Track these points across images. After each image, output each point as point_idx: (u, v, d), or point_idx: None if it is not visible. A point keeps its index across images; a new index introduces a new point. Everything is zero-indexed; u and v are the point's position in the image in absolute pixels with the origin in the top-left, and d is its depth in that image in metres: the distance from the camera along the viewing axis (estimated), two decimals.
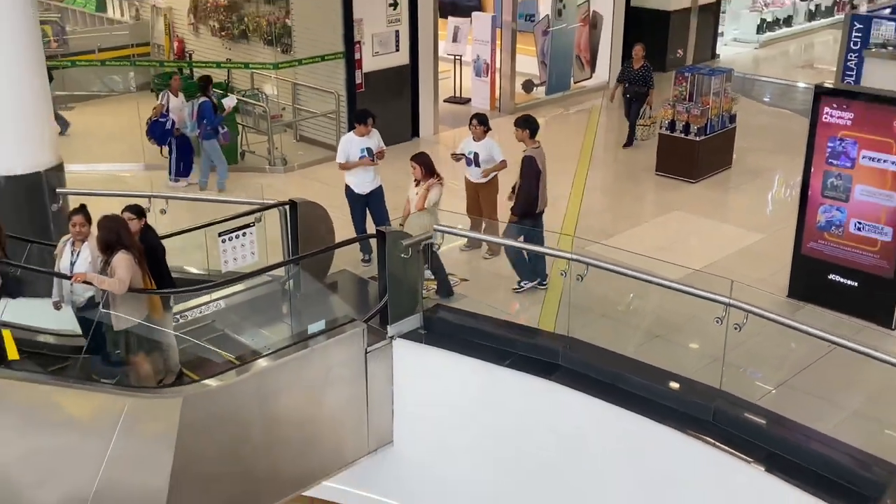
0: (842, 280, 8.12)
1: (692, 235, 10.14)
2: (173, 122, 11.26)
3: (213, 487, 6.75)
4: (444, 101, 15.03)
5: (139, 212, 7.24)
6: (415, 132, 13.15)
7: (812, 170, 8.05)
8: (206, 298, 7.70)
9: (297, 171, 12.09)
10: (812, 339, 6.86)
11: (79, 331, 7.17)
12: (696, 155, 11.43)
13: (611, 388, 6.88)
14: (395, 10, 12.35)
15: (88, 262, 6.84)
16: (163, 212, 8.32)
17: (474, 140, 9.08)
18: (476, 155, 9.01)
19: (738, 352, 7.50)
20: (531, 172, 8.54)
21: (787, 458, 5.97)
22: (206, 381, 6.56)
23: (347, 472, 7.79)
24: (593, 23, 16.00)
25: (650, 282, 7.04)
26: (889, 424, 6.34)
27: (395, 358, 7.63)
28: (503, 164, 9.08)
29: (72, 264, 6.92)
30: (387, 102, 12.49)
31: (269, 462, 7.06)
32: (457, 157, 9.43)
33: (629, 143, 12.94)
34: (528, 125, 8.72)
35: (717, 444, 6.25)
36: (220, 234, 7.68)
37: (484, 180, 9.14)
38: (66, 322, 7.26)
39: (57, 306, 7.18)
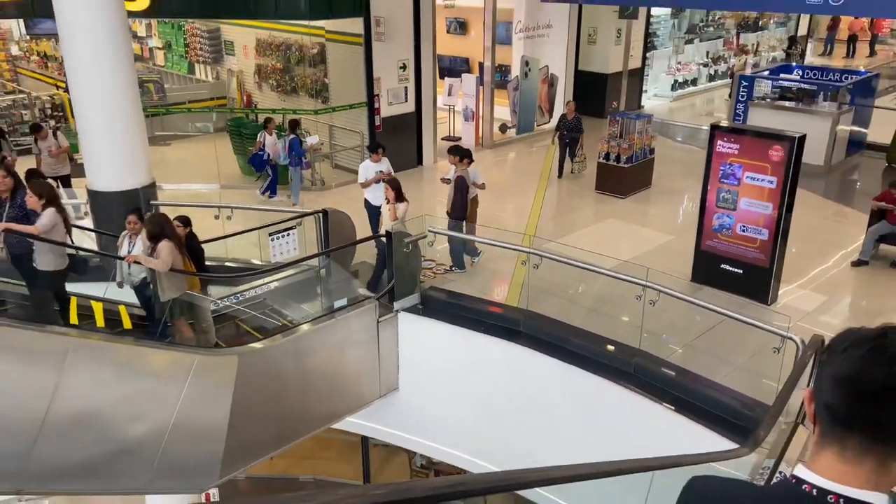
0: (731, 269, 7.93)
1: (622, 237, 9.95)
2: (269, 155, 11.07)
3: (262, 423, 6.58)
4: (442, 139, 14.78)
5: (185, 221, 7.18)
6: (419, 161, 12.96)
7: (709, 186, 7.87)
8: (260, 281, 7.53)
9: (333, 190, 11.89)
10: (708, 312, 6.72)
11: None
12: (624, 178, 11.24)
13: (560, 349, 6.72)
14: (404, 71, 12.17)
15: (140, 250, 6.82)
16: (228, 218, 8.15)
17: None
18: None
19: (655, 322, 7.36)
20: (462, 188, 8.37)
21: (688, 401, 5.81)
22: (256, 343, 6.39)
23: (365, 411, 7.63)
24: (551, 82, 15.79)
25: (589, 269, 6.87)
26: (764, 375, 6.16)
27: (399, 326, 7.47)
28: (482, 186, 8.74)
29: (128, 252, 6.94)
30: (398, 139, 12.32)
31: (305, 403, 6.89)
32: (445, 180, 9.12)
33: (560, 174, 12.40)
34: (458, 152, 8.54)
35: (637, 389, 6.09)
36: (270, 235, 7.50)
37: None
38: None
39: (120, 285, 7.16)
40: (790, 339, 5.23)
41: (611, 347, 6.57)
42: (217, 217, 8.23)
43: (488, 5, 13.83)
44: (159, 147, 14.47)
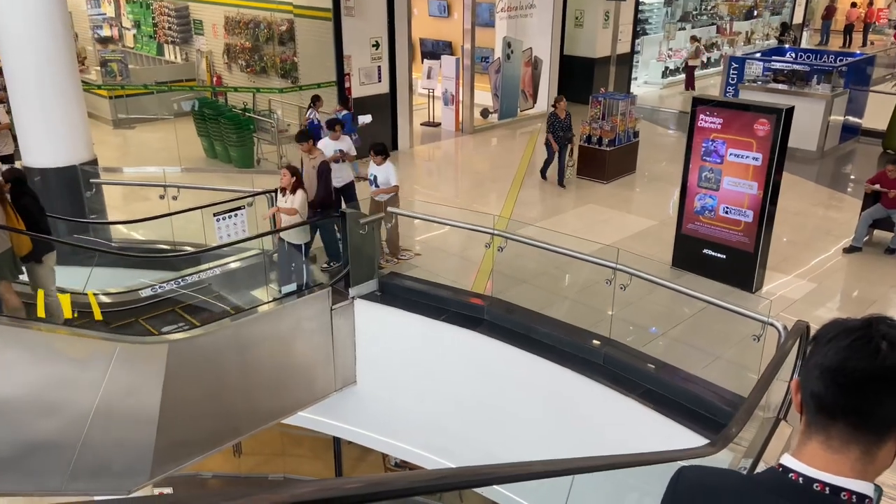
0: (714, 254, 7.43)
1: (602, 222, 9.44)
2: (320, 125, 10.41)
3: (199, 419, 6.06)
4: (421, 124, 14.30)
5: (14, 176, 6.33)
6: (395, 146, 12.38)
7: (690, 165, 7.36)
8: (204, 266, 7.00)
9: None
10: (689, 300, 6.24)
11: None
12: (606, 162, 10.73)
13: (525, 338, 6.23)
14: (377, 49, 11.62)
15: None
16: (174, 198, 7.61)
17: (376, 165, 7.80)
18: (375, 177, 7.84)
19: (632, 311, 6.88)
20: (325, 174, 7.51)
21: (661, 394, 5.31)
22: (189, 331, 5.87)
23: (320, 406, 7.14)
24: (535, 65, 15.26)
25: (555, 251, 6.37)
26: (747, 367, 5.67)
27: (356, 315, 6.96)
28: (395, 188, 7.66)
29: None
30: (372, 122, 11.77)
31: (248, 398, 6.37)
32: (360, 178, 8.48)
33: (561, 182, 10.70)
34: (303, 138, 7.70)
35: (606, 382, 5.59)
36: (215, 215, 6.97)
37: (385, 197, 7.78)
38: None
39: None
40: (771, 324, 4.73)
41: (577, 336, 6.07)
42: (162, 197, 7.69)
43: None
44: (123, 130, 13.93)
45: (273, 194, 7.33)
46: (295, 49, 12.17)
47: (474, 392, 6.57)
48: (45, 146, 7.37)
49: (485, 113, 14.74)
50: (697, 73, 18.68)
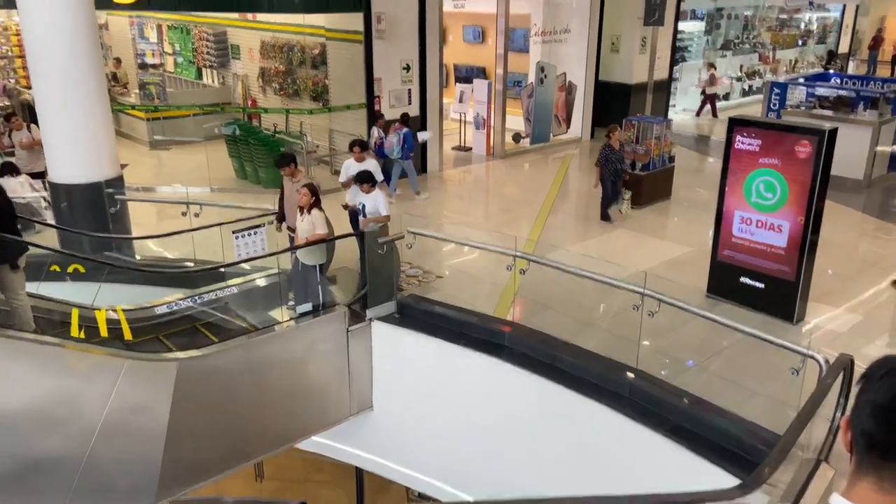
0: (752, 282, 7.04)
1: (633, 248, 9.12)
2: (384, 140, 10.77)
3: (208, 440, 5.88)
4: (452, 148, 14.21)
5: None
6: (424, 169, 12.29)
7: (726, 188, 7.03)
8: (221, 284, 6.89)
9: (327, 195, 11.25)
10: (724, 331, 5.87)
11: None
12: (640, 186, 10.41)
13: (547, 366, 5.93)
14: (407, 72, 11.58)
15: None
16: (196, 215, 7.57)
17: (364, 194, 7.53)
18: (363, 206, 7.59)
19: (661, 340, 6.53)
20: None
21: (690, 430, 4.95)
22: (200, 349, 5.72)
23: (335, 431, 6.91)
24: (568, 90, 15.08)
25: (579, 275, 6.08)
26: (788, 403, 5.28)
27: (373, 337, 6.75)
28: (386, 218, 7.29)
29: None
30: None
31: (260, 420, 6.18)
32: (346, 206, 8.00)
33: (607, 217, 9.92)
34: (284, 162, 7.43)
35: (631, 416, 5.25)
36: (234, 232, 6.88)
37: (376, 227, 7.43)
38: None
39: None
40: (811, 357, 4.37)
41: (604, 366, 5.74)
42: (184, 214, 7.65)
43: (501, 10, 13.23)
44: (159, 151, 14.13)
45: (276, 217, 7.19)
46: (326, 72, 12.20)
47: (495, 421, 6.27)
48: (71, 163, 7.41)
49: (516, 137, 14.57)
50: (731, 102, 18.31)
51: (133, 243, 8.05)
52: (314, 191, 6.68)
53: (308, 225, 6.57)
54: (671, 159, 10.90)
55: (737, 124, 6.83)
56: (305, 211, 6.60)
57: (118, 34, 18.14)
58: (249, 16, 13.78)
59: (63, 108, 7.22)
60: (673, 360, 6.28)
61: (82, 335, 6.12)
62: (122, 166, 9.55)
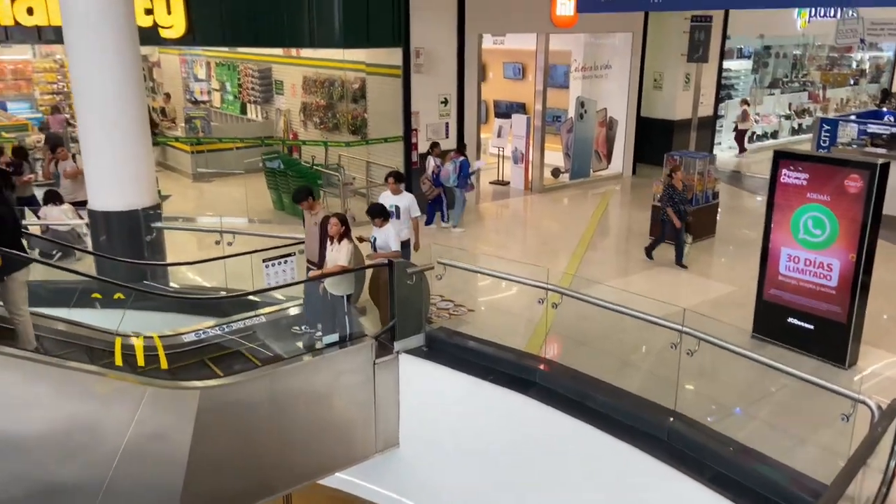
0: (800, 323, 6.68)
1: (674, 285, 8.81)
2: (441, 168, 11.02)
3: (229, 472, 5.77)
4: (490, 182, 14.15)
5: None
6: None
7: (772, 225, 6.74)
8: (250, 312, 6.86)
9: (362, 226, 11.26)
10: (771, 374, 5.55)
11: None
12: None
13: (579, 405, 5.67)
14: (445, 106, 11.62)
15: None
16: (230, 244, 7.61)
17: (393, 195, 7.51)
18: (397, 207, 7.57)
19: (703, 382, 6.23)
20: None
21: (731, 478, 4.63)
22: (223, 378, 5.65)
23: (360, 468, 6.73)
24: (609, 125, 14.94)
25: (611, 309, 5.85)
26: (838, 452, 4.92)
27: (400, 371, 6.60)
28: (396, 254, 6.99)
29: None
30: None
31: (283, 453, 6.04)
32: (361, 238, 7.31)
33: (680, 260, 9.40)
34: (303, 196, 7.09)
35: (669, 462, 4.95)
36: (264, 261, 6.87)
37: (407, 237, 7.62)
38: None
39: None
40: (863, 402, 4.05)
41: (640, 407, 5.46)
42: (218, 242, 7.69)
43: (540, 47, 13.24)
44: (201, 183, 14.41)
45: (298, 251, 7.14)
46: (365, 106, 12.33)
47: (525, 461, 6.01)
48: (109, 191, 7.55)
49: (556, 172, 14.44)
50: (779, 140, 17.92)
51: (167, 271, 8.11)
52: (344, 220, 6.62)
53: (336, 254, 6.51)
54: (715, 196, 10.60)
55: (782, 158, 6.57)
56: (336, 240, 6.53)
57: (169, 71, 18.79)
58: (293, 52, 14.09)
59: (103, 139, 7.39)
60: (715, 404, 5.96)
61: (119, 362, 6.12)
62: (165, 197, 9.73)
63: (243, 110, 16.44)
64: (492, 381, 6.09)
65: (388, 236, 7.00)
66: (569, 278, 8.43)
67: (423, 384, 6.57)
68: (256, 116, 16.06)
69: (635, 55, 14.77)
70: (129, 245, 7.63)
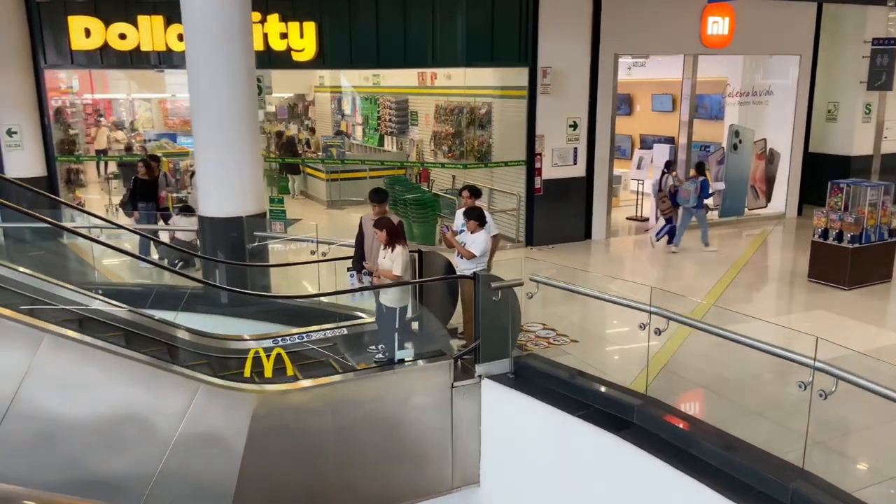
0: None
1: (832, 330, 7.36)
2: (678, 189, 10.96)
3: (284, 489, 5.38)
4: (627, 218, 13.19)
5: None
6: (587, 234, 11.43)
7: None
8: (329, 325, 6.56)
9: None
10: None
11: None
12: (849, 262, 8.62)
13: (683, 453, 4.71)
14: (574, 130, 10.97)
15: None
16: (324, 254, 7.50)
17: (469, 232, 6.64)
18: (465, 244, 6.67)
19: (848, 440, 5.00)
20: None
21: None
22: (282, 384, 5.32)
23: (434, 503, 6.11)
24: (769, 158, 13.43)
25: (736, 341, 4.84)
26: None
27: (483, 398, 5.94)
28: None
29: None
30: (562, 206, 11.04)
31: (344, 475, 5.57)
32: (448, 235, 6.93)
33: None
34: (381, 197, 6.66)
35: None
36: (348, 269, 6.61)
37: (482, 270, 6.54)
38: None
39: None
40: None
41: (758, 461, 4.41)
42: (313, 252, 7.60)
43: (687, 71, 12.26)
44: (334, 210, 14.76)
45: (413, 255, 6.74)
46: (490, 132, 11.99)
47: None
48: (215, 198, 7.75)
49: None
50: None
51: (270, 282, 8.11)
52: (391, 225, 6.10)
53: (389, 262, 6.05)
54: (891, 232, 8.97)
55: None
56: (388, 247, 6.07)
57: (322, 108, 19.87)
58: (428, 81, 14.19)
59: (212, 148, 7.61)
60: (856, 464, 4.72)
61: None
62: (293, 221, 9.85)
63: (381, 142, 16.79)
64: (582, 418, 5.27)
65: (476, 241, 6.46)
66: (704, 309, 7.35)
67: (507, 415, 5.87)
68: (392, 147, 16.31)
69: (803, 81, 13.27)
70: (232, 251, 7.73)
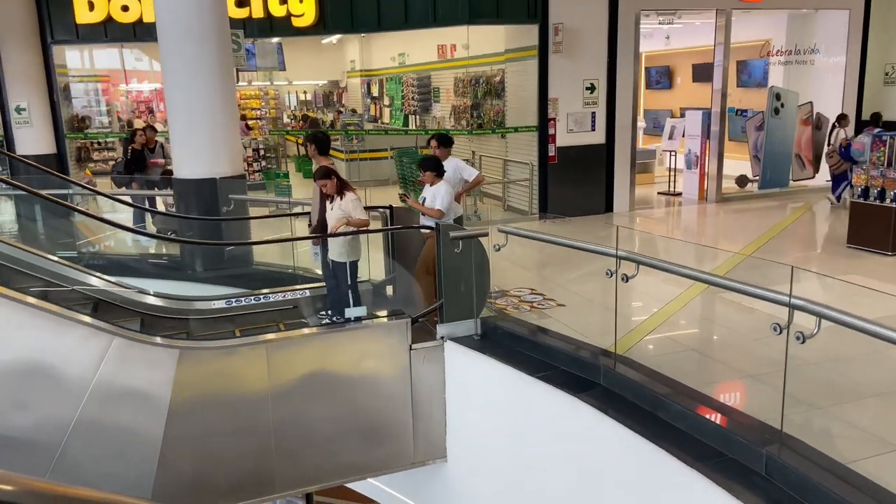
0: None
1: (865, 294, 6.49)
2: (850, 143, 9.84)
3: (218, 461, 4.94)
4: (658, 193, 12.34)
5: None
6: (608, 207, 10.66)
7: None
8: (293, 286, 6.12)
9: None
10: None
11: None
12: (892, 223, 7.64)
13: (649, 416, 4.05)
14: (591, 93, 10.23)
15: None
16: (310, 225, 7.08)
17: (427, 185, 6.15)
18: (424, 200, 6.19)
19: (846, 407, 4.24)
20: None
21: None
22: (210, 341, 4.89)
23: (395, 478, 5.60)
24: (817, 124, 12.32)
25: (714, 283, 4.13)
26: None
27: (447, 363, 5.37)
28: (437, 213, 5.89)
29: None
30: (579, 176, 10.32)
31: (286, 444, 5.10)
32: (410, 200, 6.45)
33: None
34: (314, 141, 6.25)
35: None
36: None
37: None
38: None
39: None
40: None
41: (732, 424, 3.70)
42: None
43: (720, 28, 11.31)
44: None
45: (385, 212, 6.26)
46: (505, 99, 11.37)
47: (579, 485, 4.45)
48: (188, 160, 7.44)
49: (742, 181, 12.20)
50: None
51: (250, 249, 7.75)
52: (329, 174, 5.56)
53: (339, 212, 5.52)
54: None
55: None
56: (336, 197, 5.54)
57: (353, 94, 19.64)
58: (448, 54, 13.68)
59: (182, 105, 7.31)
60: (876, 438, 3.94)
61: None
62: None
63: (405, 122, 16.35)
64: (543, 379, 4.64)
65: (438, 195, 5.89)
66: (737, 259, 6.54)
67: (473, 381, 5.29)
68: (415, 126, 15.85)
69: (854, 40, 12.13)
70: (204, 212, 7.41)
